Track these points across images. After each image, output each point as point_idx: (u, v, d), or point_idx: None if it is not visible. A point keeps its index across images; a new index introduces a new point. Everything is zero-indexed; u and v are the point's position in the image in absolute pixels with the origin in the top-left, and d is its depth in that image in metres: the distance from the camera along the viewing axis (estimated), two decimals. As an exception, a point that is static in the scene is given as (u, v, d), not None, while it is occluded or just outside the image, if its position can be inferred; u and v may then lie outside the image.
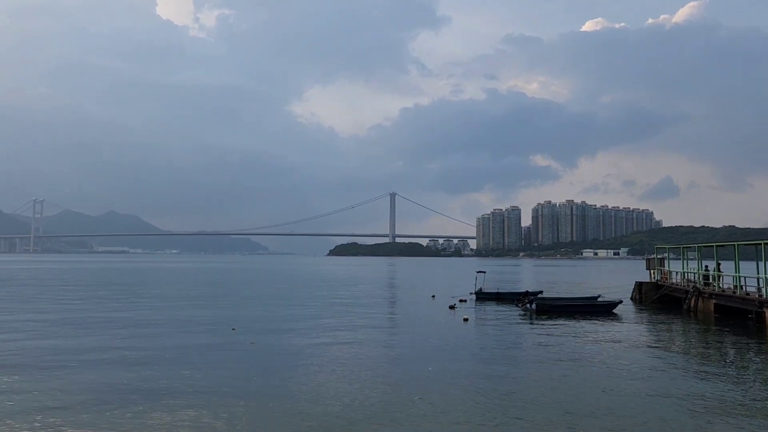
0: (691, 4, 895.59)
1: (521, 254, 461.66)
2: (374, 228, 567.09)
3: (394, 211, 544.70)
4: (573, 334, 26.43)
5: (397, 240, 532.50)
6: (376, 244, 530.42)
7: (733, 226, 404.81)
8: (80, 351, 21.06)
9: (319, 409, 13.54)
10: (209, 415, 13.03)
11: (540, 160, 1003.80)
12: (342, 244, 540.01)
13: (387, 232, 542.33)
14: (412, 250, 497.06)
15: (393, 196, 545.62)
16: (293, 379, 16.68)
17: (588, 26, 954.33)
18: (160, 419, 12.71)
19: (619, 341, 24.49)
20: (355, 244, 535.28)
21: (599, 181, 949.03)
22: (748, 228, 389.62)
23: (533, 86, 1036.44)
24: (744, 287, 31.85)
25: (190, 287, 61.52)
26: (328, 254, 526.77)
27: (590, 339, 25.06)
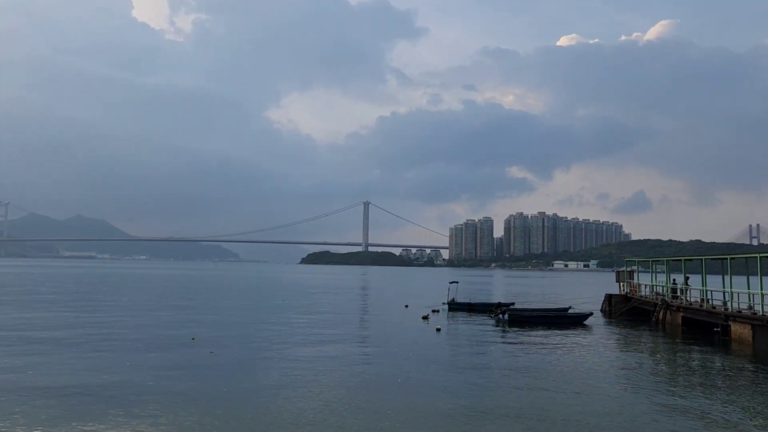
0: (663, 22, 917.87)
1: (493, 265, 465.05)
2: (347, 237, 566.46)
3: (368, 220, 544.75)
4: (544, 346, 26.58)
5: (370, 249, 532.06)
6: (348, 252, 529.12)
7: (700, 240, 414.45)
8: (37, 357, 20.44)
9: (282, 422, 13.23)
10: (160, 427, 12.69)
11: (516, 172, 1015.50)
12: (314, 253, 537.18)
13: (360, 240, 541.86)
14: (385, 259, 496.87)
15: (367, 204, 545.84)
16: (254, 391, 16.22)
17: (563, 41, 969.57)
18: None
19: (590, 353, 24.70)
20: (328, 252, 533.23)
21: (574, 194, 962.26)
22: (714, 242, 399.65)
23: (509, 98, 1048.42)
24: (710, 301, 32.46)
25: (156, 295, 60.42)
26: (301, 262, 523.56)
27: (561, 350, 25.22)
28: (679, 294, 36.19)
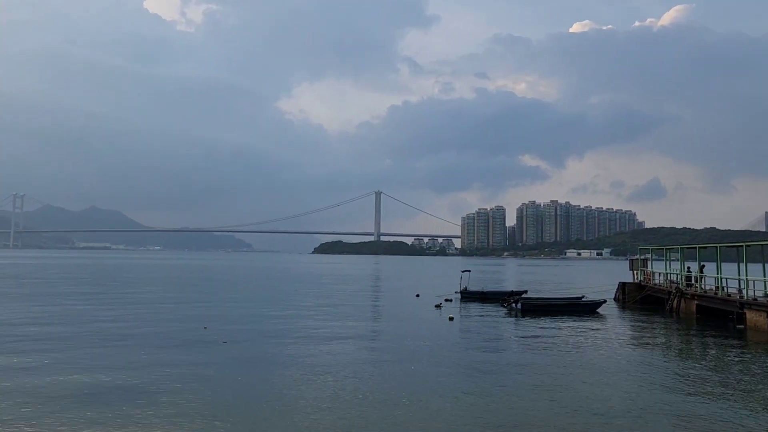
0: (677, 7, 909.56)
1: (505, 254, 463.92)
2: (360, 226, 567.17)
3: (380, 210, 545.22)
4: (558, 334, 26.54)
5: (382, 239, 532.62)
6: (360, 242, 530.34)
7: (714, 228, 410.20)
8: (52, 351, 20.74)
9: (295, 411, 13.34)
10: (169, 419, 12.81)
11: (528, 160, 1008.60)
12: (327, 242, 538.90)
13: (372, 230, 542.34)
14: (397, 248, 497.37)
15: (378, 194, 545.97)
16: (267, 380, 16.32)
17: (576, 28, 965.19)
18: (114, 421, 12.48)
19: (603, 341, 24.64)
20: (340, 242, 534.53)
21: (588, 182, 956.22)
22: (729, 230, 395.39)
23: (522, 86, 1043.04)
24: (725, 288, 32.21)
25: (170, 285, 60.97)
26: (313, 252, 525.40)
27: (574, 339, 25.18)
28: (693, 282, 35.93)
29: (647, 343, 24.78)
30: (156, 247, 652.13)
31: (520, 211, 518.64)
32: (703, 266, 35.30)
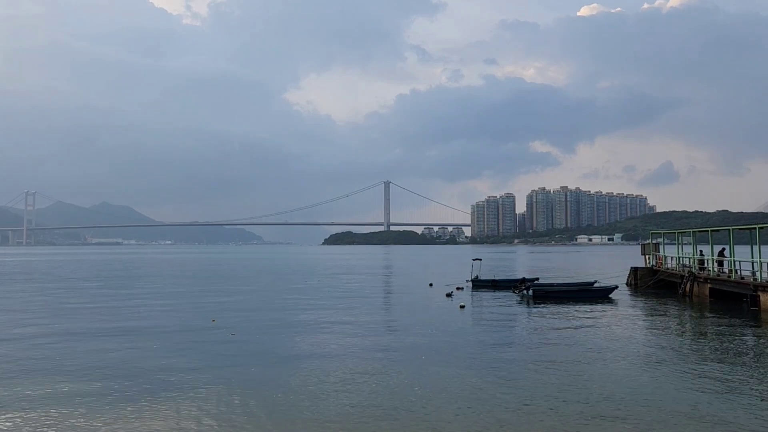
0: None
1: (516, 241, 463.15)
2: (369, 217, 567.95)
3: (389, 200, 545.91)
4: (570, 320, 26.49)
5: (392, 228, 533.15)
6: (371, 232, 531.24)
7: (726, 211, 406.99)
8: (59, 344, 20.96)
9: (303, 401, 13.37)
10: (179, 412, 12.90)
11: (539, 147, 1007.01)
12: (337, 233, 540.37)
13: (382, 220, 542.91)
14: (407, 238, 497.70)
15: (387, 184, 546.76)
16: (274, 372, 16.32)
17: (584, 11, 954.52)
18: (126, 413, 12.59)
19: (616, 326, 24.57)
20: (350, 233, 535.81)
21: (599, 167, 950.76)
22: (741, 212, 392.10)
23: (530, 72, 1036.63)
24: (739, 271, 31.96)
25: (180, 279, 61.31)
26: (323, 243, 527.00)
27: (587, 325, 25.12)
28: (705, 265, 35.67)
29: (661, 328, 24.67)
30: (167, 242, 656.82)
31: (529, 198, 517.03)
32: (723, 249, 34.90)
